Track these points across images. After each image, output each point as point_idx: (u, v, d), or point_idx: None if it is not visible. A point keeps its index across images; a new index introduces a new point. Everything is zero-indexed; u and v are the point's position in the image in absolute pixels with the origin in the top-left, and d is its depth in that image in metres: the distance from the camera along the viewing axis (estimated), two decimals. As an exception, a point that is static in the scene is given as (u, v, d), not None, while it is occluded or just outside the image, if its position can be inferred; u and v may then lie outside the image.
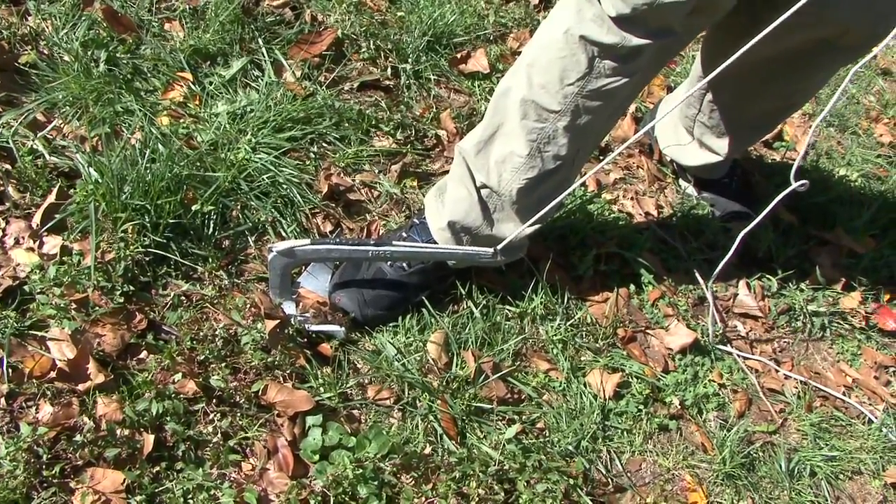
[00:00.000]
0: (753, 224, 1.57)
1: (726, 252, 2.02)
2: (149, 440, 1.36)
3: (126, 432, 1.36)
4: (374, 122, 2.04)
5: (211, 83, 1.97)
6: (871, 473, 1.77)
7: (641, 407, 1.70)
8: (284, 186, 1.79)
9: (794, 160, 2.43)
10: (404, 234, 1.70)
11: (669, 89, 2.55)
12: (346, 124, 1.99)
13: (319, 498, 1.37)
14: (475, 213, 1.61)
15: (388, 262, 1.67)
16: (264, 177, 1.78)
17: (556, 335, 1.74)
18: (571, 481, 1.50)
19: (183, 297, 1.60)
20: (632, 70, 1.42)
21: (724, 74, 1.59)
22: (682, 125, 2.09)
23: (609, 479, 1.59)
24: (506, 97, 1.51)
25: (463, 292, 1.71)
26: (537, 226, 1.61)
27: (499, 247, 1.60)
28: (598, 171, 2.14)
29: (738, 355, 1.88)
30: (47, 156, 1.70)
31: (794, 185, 1.41)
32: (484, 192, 1.59)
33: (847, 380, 1.94)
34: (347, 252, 1.59)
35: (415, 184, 1.95)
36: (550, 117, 1.46)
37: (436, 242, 1.66)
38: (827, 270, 2.10)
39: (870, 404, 1.90)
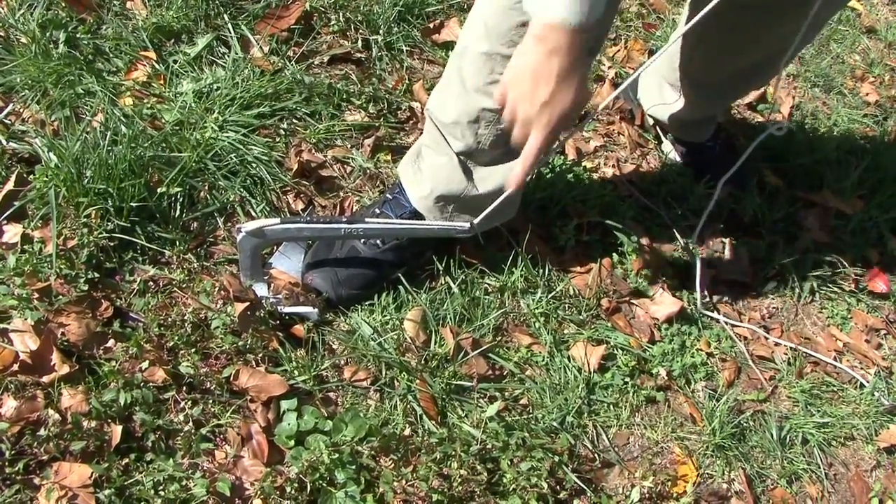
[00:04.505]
0: (733, 169, 1.48)
1: (713, 217, 1.99)
2: (117, 431, 1.32)
3: (93, 424, 1.32)
4: (345, 96, 1.98)
5: (175, 62, 1.91)
6: (864, 438, 1.74)
7: (627, 379, 1.66)
8: (253, 165, 1.74)
9: (778, 122, 2.40)
10: (377, 210, 1.65)
11: (650, 53, 2.50)
12: (317, 99, 1.94)
13: (296, 484, 1.33)
14: (458, 178, 1.55)
15: (362, 240, 1.62)
16: (232, 156, 1.73)
17: (537, 308, 1.70)
18: (557, 458, 1.47)
19: (150, 283, 1.55)
20: None
21: (716, 16, 1.53)
22: (667, 83, 2.03)
23: (596, 455, 1.55)
24: (468, 54, 1.44)
25: (440, 267, 1.66)
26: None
27: (486, 212, 1.53)
28: (577, 139, 2.10)
29: (726, 322, 1.84)
30: (5, 142, 1.64)
31: (771, 128, 1.34)
32: (462, 154, 1.53)
33: (838, 344, 1.91)
34: (319, 230, 1.54)
35: (389, 158, 1.90)
36: None
37: (412, 215, 1.62)
38: (815, 233, 2.06)
39: (861, 368, 1.86)
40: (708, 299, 1.87)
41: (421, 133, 1.79)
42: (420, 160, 1.61)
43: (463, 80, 1.46)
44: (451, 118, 1.50)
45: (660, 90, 2.08)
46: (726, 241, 2.00)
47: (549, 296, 1.72)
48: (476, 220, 1.55)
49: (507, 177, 1.52)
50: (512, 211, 1.67)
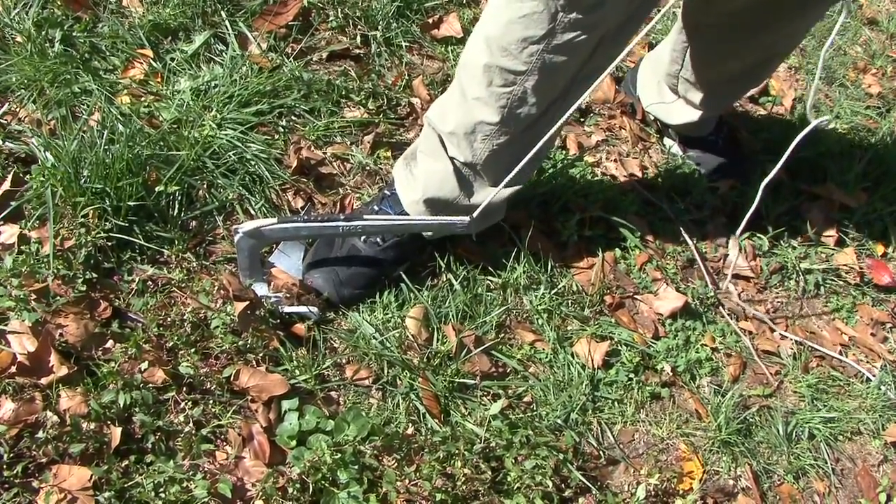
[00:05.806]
0: (777, 169, 1.45)
1: (716, 211, 1.98)
2: (116, 433, 1.30)
3: (92, 426, 1.30)
4: (344, 93, 1.96)
5: (173, 59, 1.89)
6: (871, 433, 1.73)
7: (632, 375, 1.65)
8: (252, 162, 1.72)
9: (781, 115, 2.38)
10: (376, 207, 1.64)
11: (650, 47, 2.48)
12: (316, 96, 1.92)
13: (298, 485, 1.32)
14: (451, 185, 1.54)
15: (362, 238, 1.61)
16: (230, 153, 1.71)
17: (540, 305, 1.68)
18: (561, 456, 1.45)
19: (149, 282, 1.53)
20: (596, 21, 1.34)
21: (708, 26, 1.51)
22: (665, 83, 2.03)
23: (601, 452, 1.54)
24: (469, 66, 1.44)
25: (442, 264, 1.65)
26: (515, 188, 1.55)
27: (474, 214, 1.54)
28: (578, 134, 2.09)
29: (733, 312, 1.83)
30: (1, 142, 1.63)
31: (815, 121, 1.31)
32: (457, 162, 1.52)
33: (843, 338, 1.89)
34: (317, 229, 1.53)
35: (388, 154, 1.88)
36: (518, 79, 1.39)
37: (408, 214, 1.60)
38: (819, 226, 2.05)
39: (867, 362, 1.85)
40: (713, 294, 1.85)
41: (421, 130, 1.77)
42: (414, 165, 1.60)
43: (463, 90, 1.46)
44: (450, 128, 1.49)
45: (658, 89, 2.07)
46: (730, 235, 1.98)
47: (552, 292, 1.71)
48: (474, 214, 1.54)
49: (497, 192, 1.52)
50: (501, 213, 1.67)
